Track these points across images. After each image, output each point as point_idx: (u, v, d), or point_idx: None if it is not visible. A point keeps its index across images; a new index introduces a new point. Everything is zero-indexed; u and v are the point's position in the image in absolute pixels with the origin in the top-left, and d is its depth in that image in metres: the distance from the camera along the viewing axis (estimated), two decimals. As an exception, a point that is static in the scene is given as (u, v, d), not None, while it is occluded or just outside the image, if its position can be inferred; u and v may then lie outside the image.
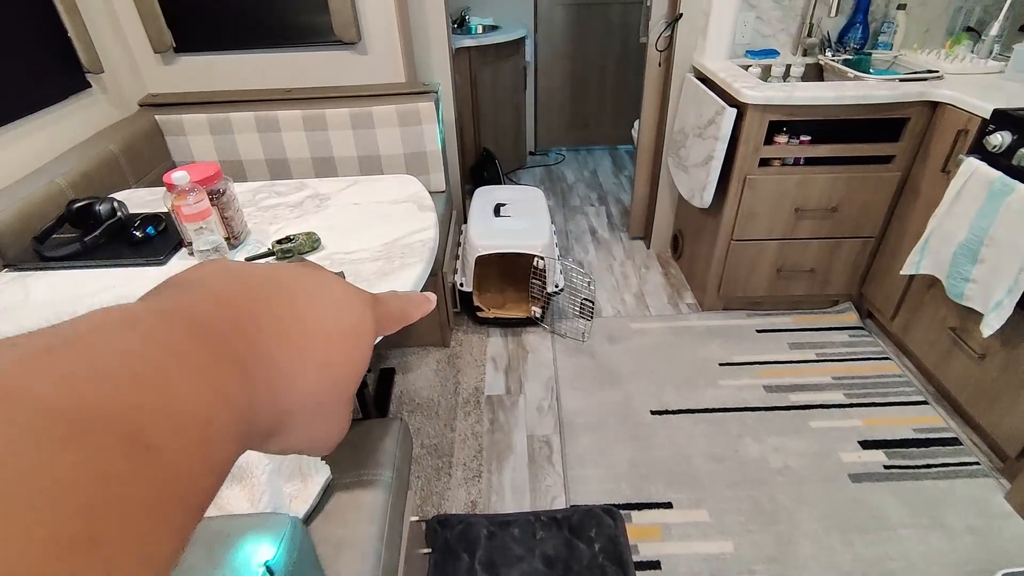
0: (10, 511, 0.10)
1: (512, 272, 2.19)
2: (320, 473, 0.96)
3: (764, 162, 1.83)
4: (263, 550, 0.54)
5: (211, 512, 0.57)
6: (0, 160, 1.39)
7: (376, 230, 1.24)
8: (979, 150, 1.50)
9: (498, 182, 3.00)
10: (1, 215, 1.26)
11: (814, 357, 1.91)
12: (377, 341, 0.25)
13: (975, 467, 1.51)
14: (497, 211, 2.12)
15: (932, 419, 1.66)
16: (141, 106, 1.90)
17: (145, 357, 0.13)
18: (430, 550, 1.28)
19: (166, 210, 1.30)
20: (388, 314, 0.24)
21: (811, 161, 1.83)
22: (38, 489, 0.10)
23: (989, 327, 1.43)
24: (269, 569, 0.53)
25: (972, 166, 1.48)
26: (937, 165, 1.68)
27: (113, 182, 1.59)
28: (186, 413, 0.13)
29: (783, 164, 1.85)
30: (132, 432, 0.12)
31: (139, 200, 1.42)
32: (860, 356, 1.91)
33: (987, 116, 1.49)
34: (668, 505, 1.44)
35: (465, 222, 2.22)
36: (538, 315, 2.05)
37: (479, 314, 2.07)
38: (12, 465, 0.10)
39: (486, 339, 2.04)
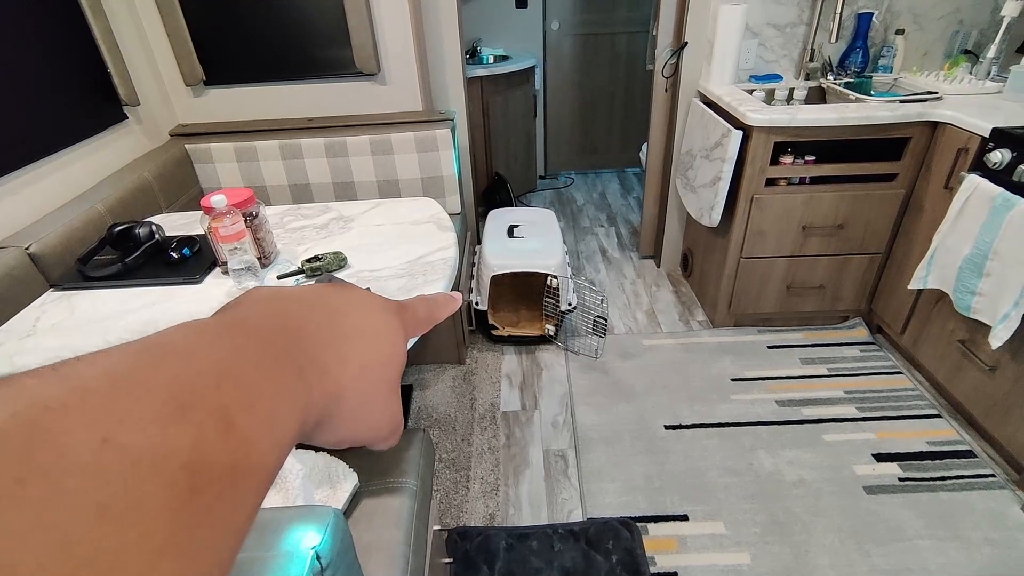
0: (139, 464, 0.13)
1: (526, 291, 2.24)
2: (348, 480, 1.01)
3: (770, 182, 1.88)
4: (310, 537, 0.58)
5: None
6: (45, 188, 1.47)
7: (399, 249, 1.30)
8: (980, 167, 1.55)
9: (509, 205, 3.07)
10: (46, 239, 1.33)
11: (825, 372, 1.93)
12: (412, 342, 0.30)
13: (991, 479, 1.52)
14: (511, 232, 2.19)
15: (946, 432, 1.68)
16: (172, 136, 2.00)
17: (227, 361, 0.17)
18: (451, 560, 1.30)
19: (200, 232, 1.37)
20: (415, 316, 0.28)
21: (816, 180, 1.88)
22: (159, 450, 0.13)
23: (998, 339, 1.45)
24: (318, 555, 0.57)
25: (974, 183, 1.52)
26: (940, 182, 1.72)
27: (147, 207, 1.67)
28: (257, 400, 0.17)
29: (789, 183, 1.90)
30: (220, 413, 0.15)
31: (173, 224, 1.49)
32: (871, 371, 1.93)
33: (986, 135, 1.54)
34: (684, 517, 1.46)
35: (479, 243, 2.28)
36: (552, 333, 2.09)
37: (494, 332, 2.11)
38: (138, 428, 0.13)
39: (501, 356, 2.08)
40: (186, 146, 1.96)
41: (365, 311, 0.24)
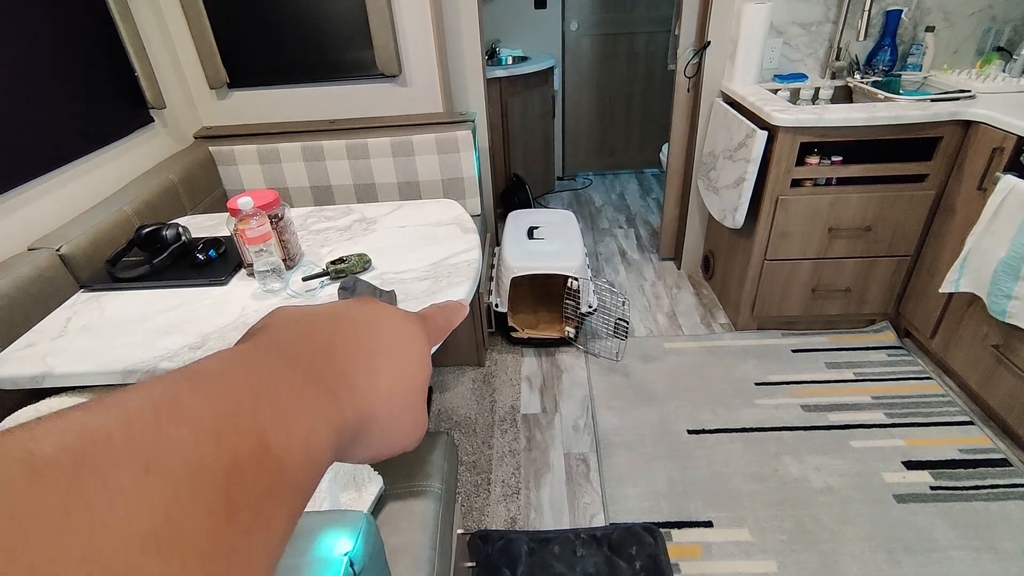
0: (179, 486, 0.13)
1: (546, 293, 2.23)
2: (373, 483, 1.00)
3: (796, 183, 1.85)
4: (342, 543, 0.58)
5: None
6: (74, 190, 1.50)
7: (422, 251, 1.30)
8: (1016, 167, 1.51)
9: (528, 206, 3.07)
10: (76, 240, 1.35)
11: (852, 377, 1.90)
12: (434, 350, 0.29)
13: (1027, 489, 1.48)
14: (530, 234, 2.18)
15: (979, 439, 1.63)
16: (196, 138, 2.02)
17: (261, 384, 0.17)
18: (474, 564, 1.30)
19: (226, 234, 1.38)
20: (435, 325, 0.28)
21: (843, 181, 1.84)
22: (198, 476, 0.14)
23: (1035, 344, 1.41)
24: (351, 561, 0.57)
25: (1010, 183, 1.48)
26: (973, 183, 1.68)
27: (172, 209, 1.69)
28: (292, 422, 0.17)
29: (815, 184, 1.87)
30: (257, 436, 0.15)
31: (199, 225, 1.51)
32: (900, 376, 1.89)
33: (1023, 134, 1.50)
34: (708, 524, 1.44)
35: (498, 244, 2.27)
36: (572, 335, 2.08)
37: (513, 334, 2.10)
38: (180, 455, 0.14)
39: (520, 359, 2.07)
40: (210, 148, 1.98)
41: (390, 325, 0.24)
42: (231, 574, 0.13)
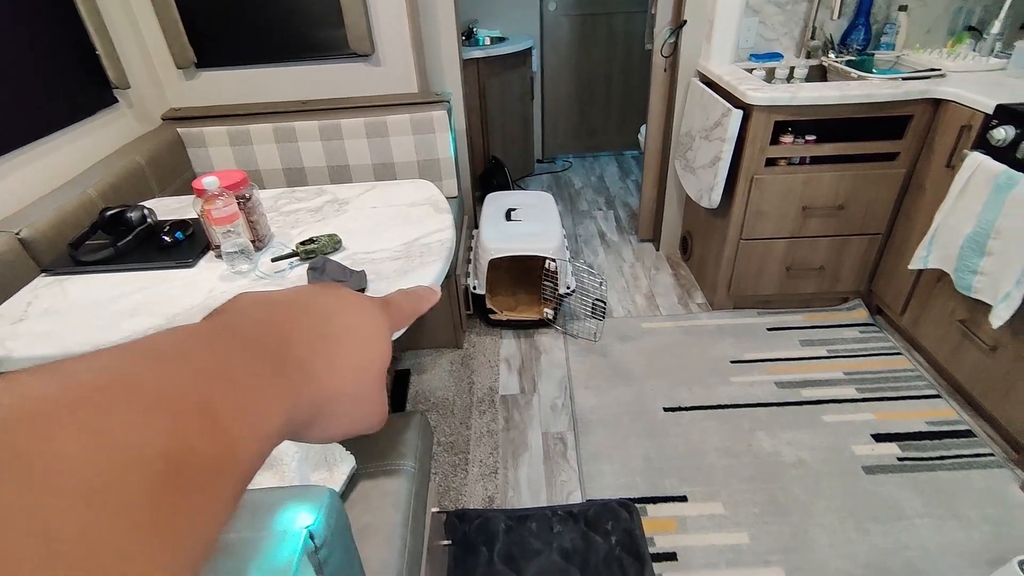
0: (123, 453, 0.13)
1: (524, 275, 2.23)
2: (345, 463, 1.00)
3: (770, 162, 1.86)
4: (303, 517, 0.57)
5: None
6: (35, 172, 1.45)
7: (395, 231, 1.29)
8: (983, 145, 1.53)
9: (507, 189, 3.05)
10: (37, 224, 1.32)
11: (825, 353, 1.93)
12: (398, 336, 0.29)
13: (990, 458, 1.52)
14: (508, 215, 2.17)
15: (945, 412, 1.67)
16: (164, 120, 1.97)
17: (212, 360, 0.17)
18: (450, 542, 1.31)
19: (193, 216, 1.35)
20: (400, 311, 0.28)
21: (817, 160, 1.86)
22: (143, 441, 0.14)
23: (998, 318, 1.44)
24: (311, 534, 0.56)
25: (976, 160, 1.50)
26: (942, 161, 1.70)
27: (139, 191, 1.65)
28: (242, 398, 0.17)
29: (789, 163, 1.88)
30: (204, 408, 0.16)
31: (166, 208, 1.47)
32: (871, 352, 1.93)
33: (990, 111, 1.52)
34: (683, 499, 1.46)
35: (476, 227, 2.26)
36: (550, 316, 2.08)
37: (492, 316, 2.10)
38: (122, 420, 0.14)
39: (499, 341, 2.07)
40: (179, 130, 1.93)
41: (350, 310, 0.25)
42: (173, 533, 0.14)
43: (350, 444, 1.04)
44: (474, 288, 2.07)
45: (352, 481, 1.00)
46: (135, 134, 1.84)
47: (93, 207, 1.45)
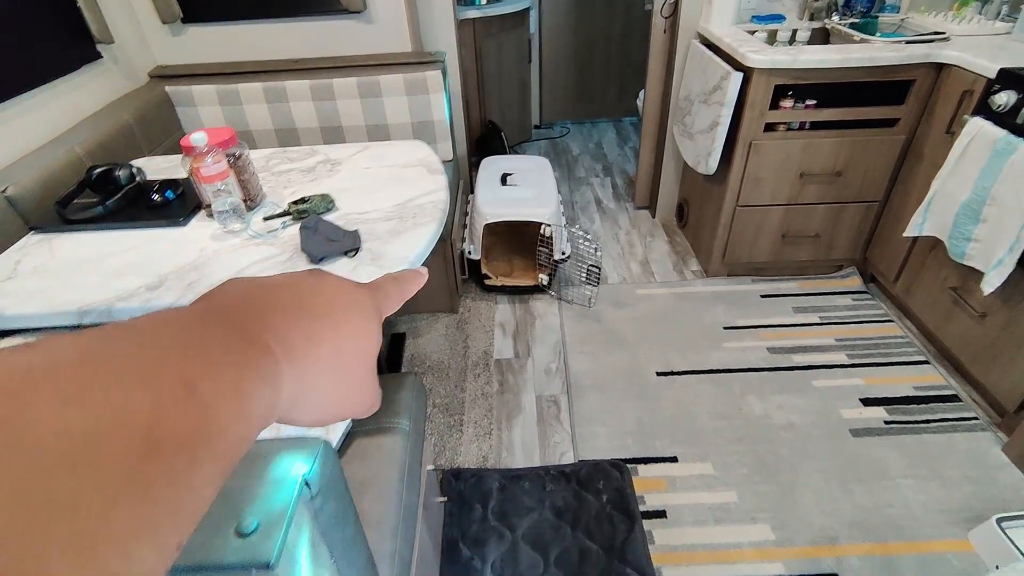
0: (99, 421, 0.14)
1: (519, 240, 2.22)
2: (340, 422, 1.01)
3: (769, 127, 1.84)
4: (298, 466, 0.58)
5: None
6: (18, 128, 1.42)
7: (388, 192, 1.27)
8: (984, 110, 1.51)
9: (503, 155, 3.01)
10: (24, 181, 1.29)
11: (817, 320, 1.94)
12: (386, 318, 0.29)
13: (974, 422, 1.55)
14: (504, 180, 2.14)
15: (933, 378, 1.70)
16: (151, 77, 1.92)
17: (192, 338, 0.18)
18: (445, 499, 1.33)
19: (184, 176, 1.33)
20: (387, 297, 0.29)
21: (816, 126, 1.84)
22: (119, 411, 0.14)
23: (990, 285, 1.45)
24: (306, 482, 0.57)
25: (977, 125, 1.49)
26: (942, 127, 1.69)
27: (128, 151, 1.62)
28: (221, 374, 0.17)
29: (788, 129, 1.86)
30: (181, 380, 0.16)
31: (156, 167, 1.45)
32: (863, 319, 1.94)
33: (992, 76, 1.50)
34: (673, 459, 1.49)
35: (472, 192, 2.24)
36: (545, 282, 2.08)
37: (487, 282, 2.10)
38: (101, 391, 0.14)
39: (494, 306, 2.08)
40: (166, 88, 1.88)
41: (336, 293, 0.25)
42: (150, 500, 0.14)
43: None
44: (469, 253, 2.06)
45: (348, 439, 1.01)
46: (121, 92, 1.79)
47: (80, 165, 1.42)
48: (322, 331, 0.23)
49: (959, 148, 1.53)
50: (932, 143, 1.74)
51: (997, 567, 1.19)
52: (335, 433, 0.99)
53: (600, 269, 2.03)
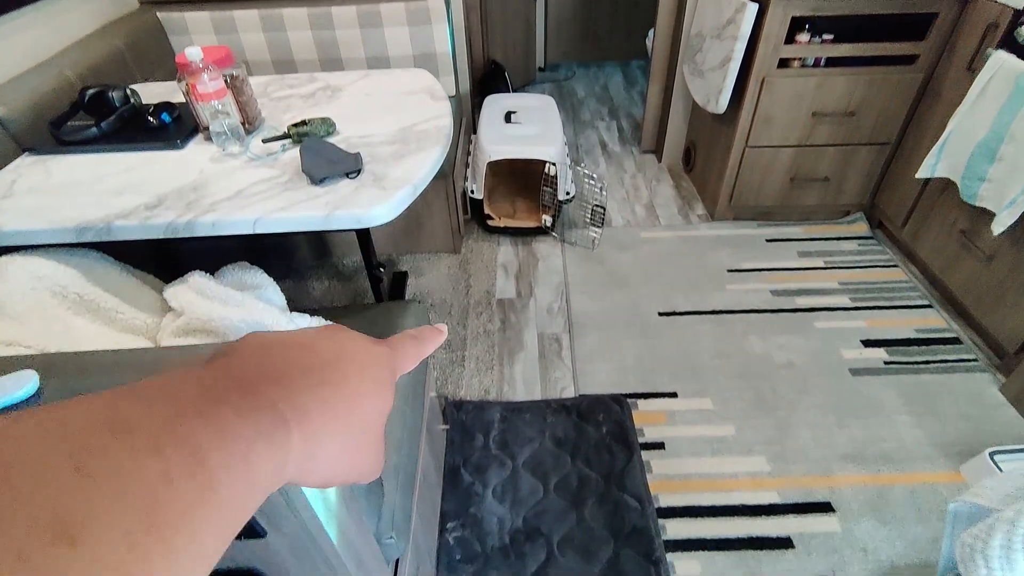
0: (106, 487, 0.14)
1: (523, 181, 2.19)
2: (344, 343, 1.01)
3: (783, 63, 1.78)
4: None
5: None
6: (5, 49, 1.36)
7: (390, 118, 1.23)
8: (1009, 43, 1.45)
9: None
10: (15, 103, 1.25)
11: (822, 264, 1.93)
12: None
13: (973, 363, 1.56)
14: (508, 118, 2.09)
15: (935, 321, 1.70)
16: (142, 3, 1.84)
17: (206, 405, 0.18)
18: (448, 427, 1.35)
19: (180, 100, 1.29)
20: (404, 355, 0.29)
21: (832, 63, 1.78)
22: (128, 479, 0.14)
23: (1001, 225, 1.43)
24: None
25: (1000, 60, 1.44)
26: (963, 63, 1.63)
27: (120, 78, 1.57)
28: (232, 441, 0.17)
29: (803, 65, 1.79)
30: (192, 449, 0.16)
31: (151, 92, 1.40)
32: (868, 264, 1.93)
33: (1020, 7, 1.43)
34: (673, 395, 1.51)
35: (475, 132, 2.19)
36: (548, 224, 2.06)
37: (490, 223, 2.08)
38: (113, 461, 0.14)
39: (496, 247, 2.06)
40: (158, 15, 1.81)
41: (353, 356, 0.25)
42: (150, 567, 0.14)
43: (348, 325, 1.04)
44: (472, 192, 2.03)
45: (351, 360, 1.01)
46: (111, 17, 1.72)
47: (71, 89, 1.38)
48: (336, 397, 0.23)
49: (980, 84, 1.48)
50: (951, 81, 1.68)
51: (991, 452, 1.22)
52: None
53: (605, 209, 2.01)
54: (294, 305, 1.02)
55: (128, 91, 1.26)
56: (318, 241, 1.99)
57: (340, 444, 0.23)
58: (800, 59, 1.78)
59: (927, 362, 1.57)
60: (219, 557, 0.16)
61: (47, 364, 0.58)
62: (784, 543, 1.19)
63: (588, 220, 2.07)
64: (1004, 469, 1.22)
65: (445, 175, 1.82)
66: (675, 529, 1.22)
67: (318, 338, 0.25)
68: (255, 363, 0.22)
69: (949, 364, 1.56)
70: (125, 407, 0.16)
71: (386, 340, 0.28)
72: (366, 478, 0.26)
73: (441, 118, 1.22)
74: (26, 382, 0.53)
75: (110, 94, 1.23)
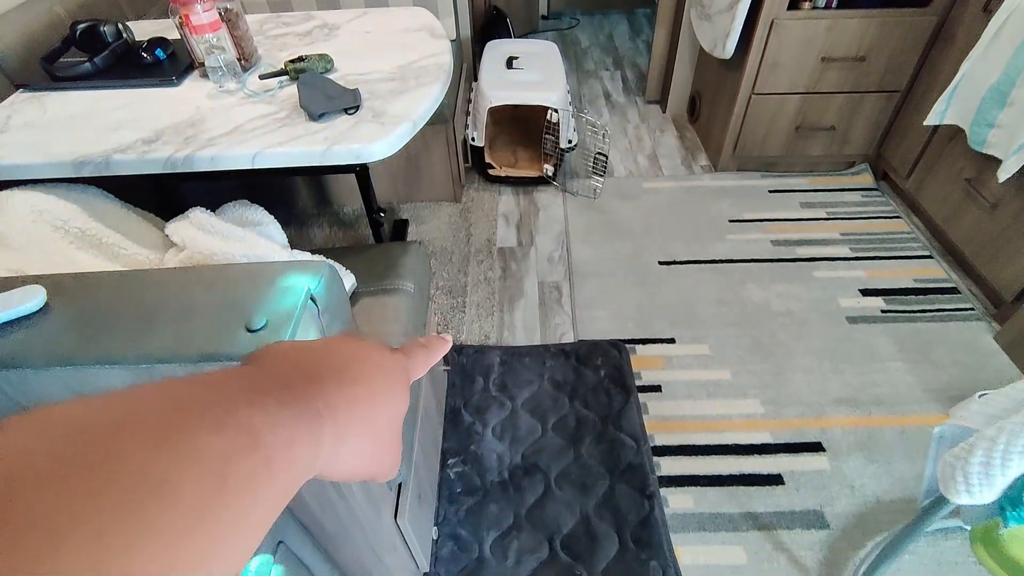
0: (183, 458, 0.16)
1: (524, 131, 2.15)
2: (346, 279, 1.02)
3: (793, 4, 1.73)
4: (305, 280, 0.58)
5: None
6: (-7, -17, 1.33)
7: (389, 55, 1.21)
8: (1028, -18, 1.40)
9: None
10: (5, 39, 1.23)
11: (824, 215, 1.92)
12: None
13: (969, 312, 1.57)
14: (509, 64, 2.04)
15: (934, 271, 1.70)
16: (130, -62, 1.78)
17: (256, 394, 0.20)
18: (448, 368, 1.38)
19: (175, 37, 1.26)
20: (415, 361, 0.31)
21: (844, 3, 1.72)
22: (201, 450, 0.16)
23: (1007, 171, 1.42)
24: (312, 298, 0.58)
25: (1017, -1, 1.39)
26: (979, 4, 1.58)
27: (112, 16, 1.53)
28: (279, 426, 0.19)
29: (814, 7, 1.74)
30: (248, 429, 0.18)
31: (144, 30, 1.37)
32: (870, 215, 1.92)
33: (1043, -58, 1.38)
34: (671, 340, 1.53)
35: (475, 79, 2.14)
36: (550, 173, 2.04)
37: (491, 172, 2.06)
38: (188, 436, 0.16)
39: (497, 196, 2.05)
40: (148, -50, 1.75)
41: (373, 360, 0.27)
42: (217, 539, 0.16)
43: (350, 264, 1.05)
44: (472, 140, 2.01)
45: (353, 298, 1.03)
46: (100, -48, 1.66)
47: (62, 26, 1.34)
48: (361, 398, 0.25)
49: (995, 25, 1.44)
50: (967, 24, 1.63)
51: (981, 395, 1.24)
52: (340, 291, 1.00)
53: (607, 157, 1.98)
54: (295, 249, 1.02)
55: (120, 26, 1.23)
56: (318, 188, 1.98)
57: (363, 439, 0.25)
58: (811, 0, 1.73)
59: (924, 311, 1.58)
60: (263, 535, 0.18)
61: (54, 283, 0.59)
62: (774, 479, 1.23)
63: (591, 168, 2.05)
64: (993, 411, 1.25)
65: (446, 121, 1.79)
66: (669, 466, 1.26)
67: (341, 344, 0.27)
68: (291, 363, 0.24)
69: (946, 313, 1.57)
70: (186, 392, 0.18)
71: (399, 348, 0.30)
72: (383, 476, 0.28)
73: (441, 55, 1.20)
74: (34, 296, 0.54)
75: (102, 28, 1.20)
